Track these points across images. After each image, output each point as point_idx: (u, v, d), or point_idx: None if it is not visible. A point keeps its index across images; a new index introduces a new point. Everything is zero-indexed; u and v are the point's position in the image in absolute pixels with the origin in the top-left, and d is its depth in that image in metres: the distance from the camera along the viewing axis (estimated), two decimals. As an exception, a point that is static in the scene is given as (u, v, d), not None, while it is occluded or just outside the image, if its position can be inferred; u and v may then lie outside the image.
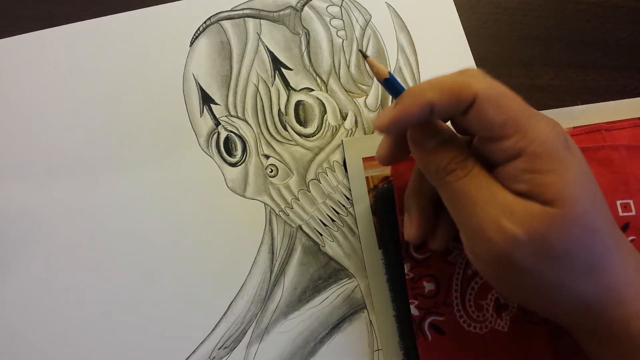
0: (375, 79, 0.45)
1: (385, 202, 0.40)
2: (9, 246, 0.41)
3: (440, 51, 0.46)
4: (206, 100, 0.45)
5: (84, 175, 0.43)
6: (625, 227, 0.38)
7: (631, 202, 0.39)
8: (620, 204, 0.39)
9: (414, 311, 0.37)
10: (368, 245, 0.41)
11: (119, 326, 0.40)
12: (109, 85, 0.45)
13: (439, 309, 0.37)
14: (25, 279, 0.41)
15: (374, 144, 0.42)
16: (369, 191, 0.42)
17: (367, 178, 0.42)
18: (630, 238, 0.38)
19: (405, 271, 0.38)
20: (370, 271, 0.40)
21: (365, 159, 0.42)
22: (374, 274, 0.40)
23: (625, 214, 0.39)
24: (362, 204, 0.41)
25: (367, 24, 0.47)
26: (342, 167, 0.43)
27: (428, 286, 0.37)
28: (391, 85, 0.31)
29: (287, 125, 0.44)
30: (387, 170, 0.42)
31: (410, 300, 0.37)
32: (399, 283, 0.39)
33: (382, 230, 0.40)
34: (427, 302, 0.37)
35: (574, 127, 0.42)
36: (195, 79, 0.45)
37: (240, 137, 0.44)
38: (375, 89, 0.45)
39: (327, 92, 0.45)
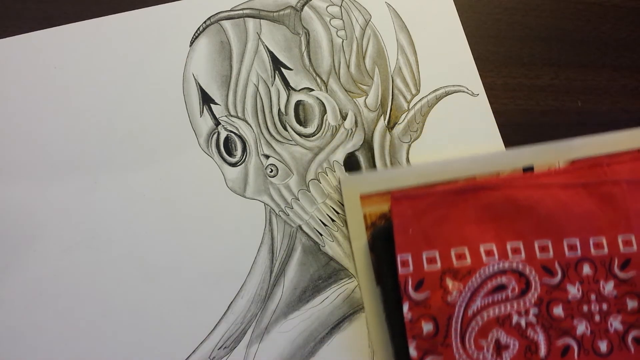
0: (374, 79, 0.45)
1: (383, 240, 0.40)
2: (9, 246, 0.41)
3: (440, 51, 0.46)
4: (206, 100, 0.45)
5: (84, 175, 0.43)
6: (626, 264, 0.38)
7: (632, 237, 0.38)
8: (622, 239, 0.38)
9: (412, 352, 0.36)
10: (366, 282, 0.40)
11: (118, 326, 0.40)
12: (109, 85, 0.45)
13: (437, 349, 0.36)
14: (25, 279, 0.41)
15: (372, 181, 0.42)
16: (366, 228, 0.41)
17: (364, 215, 0.41)
18: (632, 274, 0.38)
19: (404, 311, 0.37)
20: (368, 308, 0.40)
21: (362, 196, 0.41)
22: (372, 311, 0.39)
23: (627, 249, 0.38)
24: (360, 241, 0.41)
25: (367, 24, 0.47)
26: (342, 167, 0.43)
27: (426, 327, 0.37)
28: None
29: (287, 125, 0.44)
30: (385, 208, 0.41)
31: (408, 341, 0.37)
32: (398, 321, 0.38)
33: (380, 267, 0.40)
34: (425, 342, 0.37)
35: (574, 162, 0.41)
36: (195, 79, 0.45)
37: (240, 137, 0.44)
38: (375, 89, 0.45)
39: (327, 92, 0.45)
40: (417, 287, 0.37)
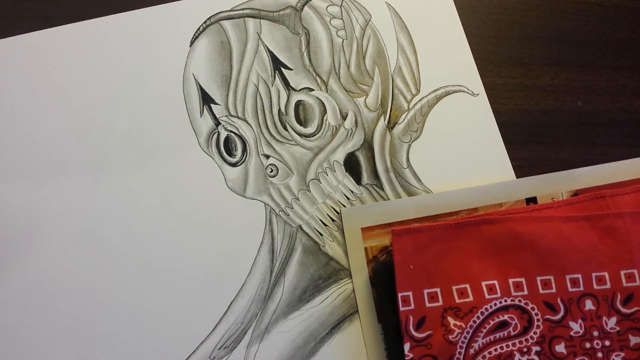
0: (374, 79, 0.45)
1: (384, 276, 0.39)
2: (9, 246, 0.41)
3: (440, 51, 0.46)
4: (206, 100, 0.45)
5: (84, 175, 0.43)
6: (629, 298, 0.38)
7: (635, 271, 0.38)
8: (625, 274, 0.38)
9: None
10: (367, 319, 0.39)
11: (119, 326, 0.40)
12: (109, 85, 0.45)
13: None
14: (25, 279, 0.40)
15: (373, 213, 0.41)
16: (367, 262, 0.41)
17: (366, 249, 0.41)
18: (634, 309, 0.37)
19: (405, 352, 0.37)
20: (369, 346, 0.39)
21: (364, 229, 0.41)
22: (373, 349, 0.39)
23: (630, 284, 0.38)
24: (361, 275, 0.40)
25: (367, 24, 0.47)
26: (342, 167, 0.43)
27: None
28: None
29: (287, 125, 0.44)
30: (386, 240, 0.41)
31: None
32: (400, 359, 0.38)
33: (382, 304, 0.39)
34: None
35: (577, 195, 0.41)
36: (195, 79, 0.45)
37: (240, 137, 0.44)
38: (375, 89, 0.45)
39: (327, 92, 0.45)
40: (419, 325, 0.37)
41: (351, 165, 0.43)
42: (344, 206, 0.42)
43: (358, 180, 0.43)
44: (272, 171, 0.43)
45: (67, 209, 0.42)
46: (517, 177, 0.43)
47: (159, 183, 0.43)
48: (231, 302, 0.40)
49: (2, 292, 0.40)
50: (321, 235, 0.42)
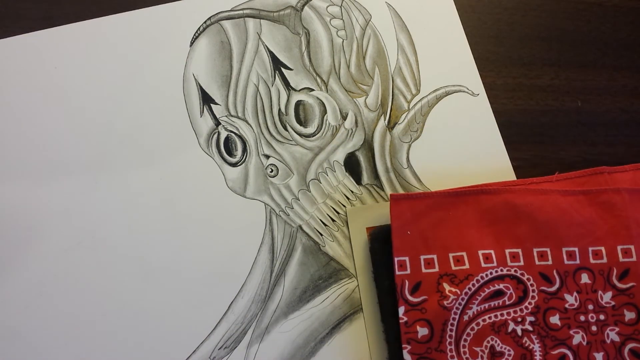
0: (374, 79, 0.45)
1: (381, 242, 0.39)
2: (9, 246, 0.41)
3: (440, 51, 0.46)
4: (206, 100, 0.45)
5: (84, 175, 0.43)
6: (625, 273, 0.38)
7: (632, 247, 0.38)
8: (621, 249, 0.38)
9: (406, 357, 0.36)
10: (371, 318, 0.39)
11: (119, 326, 0.40)
12: (109, 85, 0.45)
13: (431, 355, 0.36)
14: (25, 279, 0.40)
15: (378, 213, 0.41)
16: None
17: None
18: (630, 284, 0.38)
19: (400, 314, 0.37)
20: (373, 346, 0.39)
21: (369, 229, 0.41)
22: (377, 349, 0.39)
23: (626, 259, 0.38)
24: (366, 275, 0.40)
25: (367, 24, 0.47)
26: (342, 167, 0.43)
27: (421, 331, 0.36)
28: None
29: (287, 125, 0.44)
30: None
31: (403, 345, 0.36)
32: (393, 325, 0.38)
33: (378, 271, 0.39)
34: (420, 347, 0.36)
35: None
36: (195, 79, 0.45)
37: (240, 137, 0.44)
38: (375, 89, 0.45)
39: (327, 92, 0.45)
40: (414, 290, 0.37)
41: (351, 165, 0.43)
42: (344, 206, 0.42)
43: (358, 180, 0.43)
44: (272, 171, 0.43)
45: (67, 209, 0.42)
46: (517, 177, 0.43)
47: (159, 183, 0.43)
48: (231, 302, 0.40)
49: (2, 292, 0.40)
50: (321, 235, 0.42)
